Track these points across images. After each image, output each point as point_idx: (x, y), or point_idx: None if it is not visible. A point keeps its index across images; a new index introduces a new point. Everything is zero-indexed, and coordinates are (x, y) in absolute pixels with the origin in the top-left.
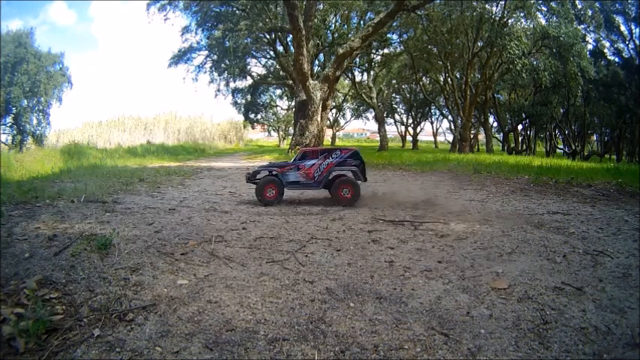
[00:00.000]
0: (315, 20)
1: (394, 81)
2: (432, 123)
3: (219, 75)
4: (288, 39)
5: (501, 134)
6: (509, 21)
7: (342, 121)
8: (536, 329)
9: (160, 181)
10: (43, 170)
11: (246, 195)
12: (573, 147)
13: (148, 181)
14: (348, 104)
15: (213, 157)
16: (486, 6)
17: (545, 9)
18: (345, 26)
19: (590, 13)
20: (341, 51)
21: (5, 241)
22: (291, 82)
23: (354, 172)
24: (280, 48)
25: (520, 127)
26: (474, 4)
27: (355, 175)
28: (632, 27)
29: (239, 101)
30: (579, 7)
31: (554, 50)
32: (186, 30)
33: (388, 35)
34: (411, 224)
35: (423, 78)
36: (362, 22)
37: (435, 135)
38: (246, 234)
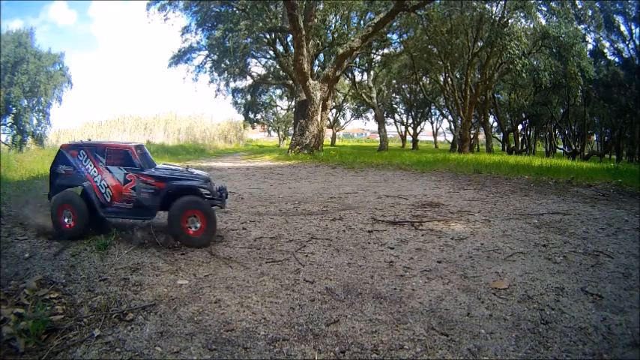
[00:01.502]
0: (315, 20)
1: (394, 81)
2: (432, 123)
3: (219, 75)
4: (288, 39)
5: (501, 134)
6: (509, 21)
7: (342, 121)
8: (536, 329)
9: None
10: (43, 170)
11: (246, 195)
12: (573, 147)
13: None
14: (348, 104)
15: (213, 157)
16: (486, 6)
17: (545, 9)
18: (345, 26)
19: (590, 13)
20: (341, 51)
21: (5, 241)
22: (291, 82)
23: None
24: (280, 48)
25: (520, 127)
26: (474, 4)
27: None
28: (632, 27)
29: (239, 101)
30: (579, 7)
31: (554, 50)
32: (186, 30)
33: (388, 35)
34: (411, 224)
35: (423, 78)
36: (362, 22)
37: (435, 135)
38: (246, 234)
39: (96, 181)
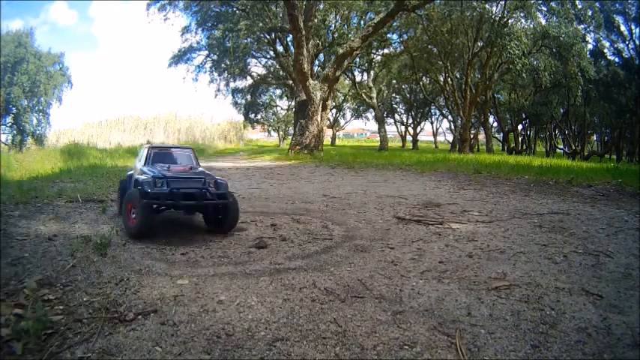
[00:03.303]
0: (315, 20)
1: (394, 81)
2: (432, 123)
3: (219, 75)
4: (288, 39)
5: (501, 134)
6: (509, 21)
7: (342, 121)
8: (536, 329)
9: None
10: (43, 170)
11: (246, 196)
12: (573, 147)
13: None
14: (348, 104)
15: (213, 157)
16: (486, 6)
17: (545, 9)
18: (345, 26)
19: (590, 13)
20: (341, 51)
21: (5, 241)
22: (291, 82)
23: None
24: (280, 48)
25: (520, 127)
26: (474, 4)
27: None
28: (632, 27)
29: (239, 101)
30: (579, 7)
31: (554, 50)
32: (186, 30)
33: (388, 35)
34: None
35: (423, 78)
36: (362, 22)
37: (435, 135)
38: (245, 235)
39: None
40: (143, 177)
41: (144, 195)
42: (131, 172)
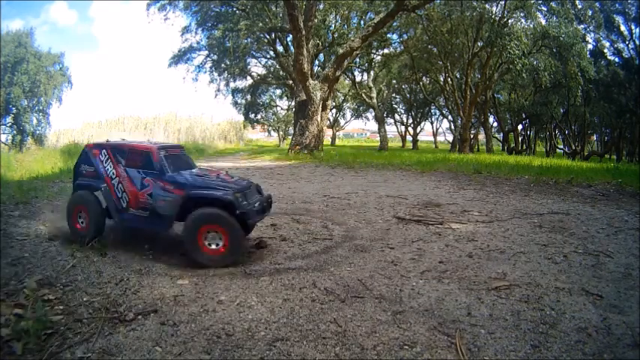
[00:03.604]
0: (315, 20)
1: (394, 81)
2: (432, 123)
3: (219, 75)
4: (288, 39)
5: (501, 134)
6: (509, 21)
7: (342, 121)
8: (536, 329)
9: None
10: (43, 170)
11: None
12: (573, 147)
13: None
14: (348, 104)
15: (213, 157)
16: (486, 6)
17: (545, 9)
18: (345, 26)
19: (590, 13)
20: (341, 51)
21: (5, 241)
22: (291, 82)
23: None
24: (280, 48)
25: (520, 127)
26: (474, 4)
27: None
28: (632, 27)
29: (239, 101)
30: (579, 7)
31: (554, 50)
32: (186, 30)
33: (388, 35)
34: (416, 223)
35: (423, 78)
36: (362, 22)
37: (435, 135)
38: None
39: (113, 184)
40: (218, 193)
41: (247, 215)
42: (92, 182)
